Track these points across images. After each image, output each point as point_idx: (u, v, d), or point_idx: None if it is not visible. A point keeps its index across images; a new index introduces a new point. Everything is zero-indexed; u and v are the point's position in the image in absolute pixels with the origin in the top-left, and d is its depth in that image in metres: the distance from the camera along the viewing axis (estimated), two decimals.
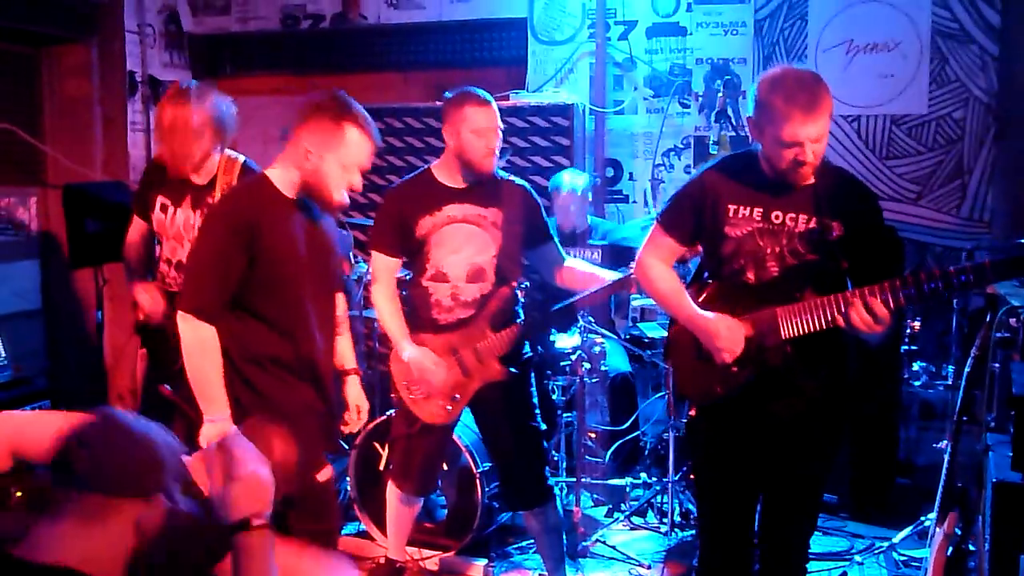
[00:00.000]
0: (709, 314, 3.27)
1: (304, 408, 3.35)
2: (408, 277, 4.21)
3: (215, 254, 3.22)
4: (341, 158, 3.26)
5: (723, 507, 3.46)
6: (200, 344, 3.23)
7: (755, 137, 3.19)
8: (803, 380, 3.25)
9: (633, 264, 3.68)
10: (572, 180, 5.61)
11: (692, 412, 3.48)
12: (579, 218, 5.63)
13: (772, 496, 3.44)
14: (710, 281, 3.40)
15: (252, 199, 3.29)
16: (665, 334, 3.65)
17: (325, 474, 3.44)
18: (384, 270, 4.04)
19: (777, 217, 3.21)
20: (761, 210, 3.22)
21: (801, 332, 3.16)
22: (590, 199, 5.73)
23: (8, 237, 6.39)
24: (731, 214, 3.25)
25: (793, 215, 3.20)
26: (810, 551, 4.76)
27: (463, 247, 3.97)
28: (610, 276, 4.08)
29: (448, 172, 4.02)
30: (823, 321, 3.12)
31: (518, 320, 4.05)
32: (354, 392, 3.70)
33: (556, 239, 4.18)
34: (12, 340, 4.93)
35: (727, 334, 3.20)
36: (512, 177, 4.12)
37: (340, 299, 3.69)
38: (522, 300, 4.25)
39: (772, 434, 3.32)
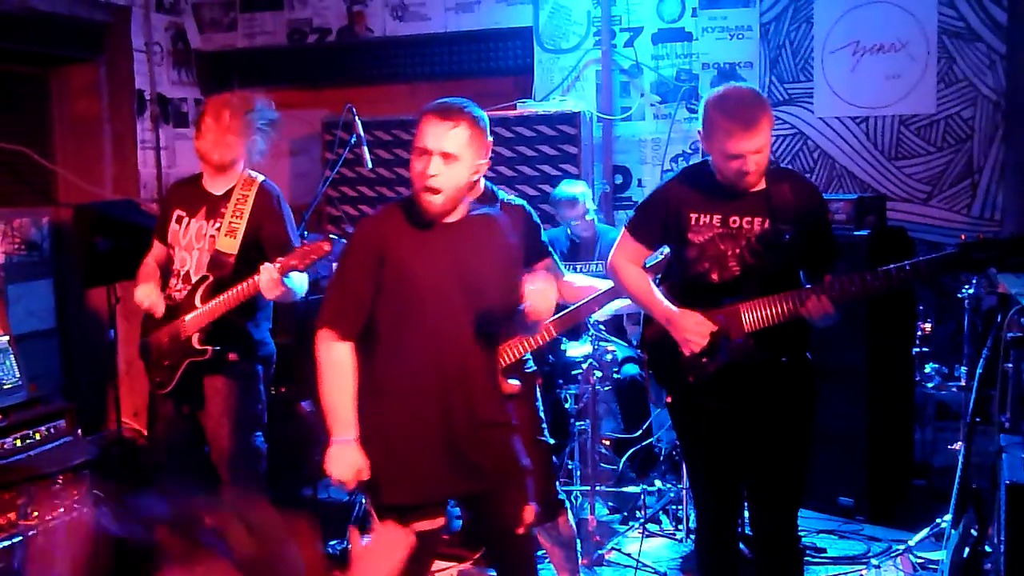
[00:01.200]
0: (677, 309, 3.55)
1: (396, 441, 3.24)
2: None
3: (349, 271, 3.27)
4: (416, 143, 3.20)
5: (706, 483, 3.75)
6: (330, 364, 3.23)
7: (705, 149, 3.50)
8: (767, 368, 3.51)
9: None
10: (571, 190, 5.60)
11: (668, 399, 3.76)
12: (586, 227, 5.63)
13: (753, 479, 3.65)
14: (679, 280, 3.66)
15: (384, 218, 3.32)
16: (642, 332, 3.88)
17: (426, 525, 3.28)
18: None
19: (735, 221, 3.49)
20: (720, 216, 3.51)
21: (761, 325, 3.45)
22: (593, 207, 5.69)
23: (22, 257, 6.43)
24: (693, 222, 3.54)
25: (749, 219, 3.48)
26: (827, 555, 4.82)
27: None
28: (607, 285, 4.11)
29: None
30: (780, 313, 3.42)
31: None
32: None
33: (555, 255, 4.19)
34: (28, 359, 4.94)
35: (693, 327, 3.49)
36: (511, 197, 4.13)
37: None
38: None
39: (744, 417, 3.56)
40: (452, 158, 3.15)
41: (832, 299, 3.34)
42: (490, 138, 3.30)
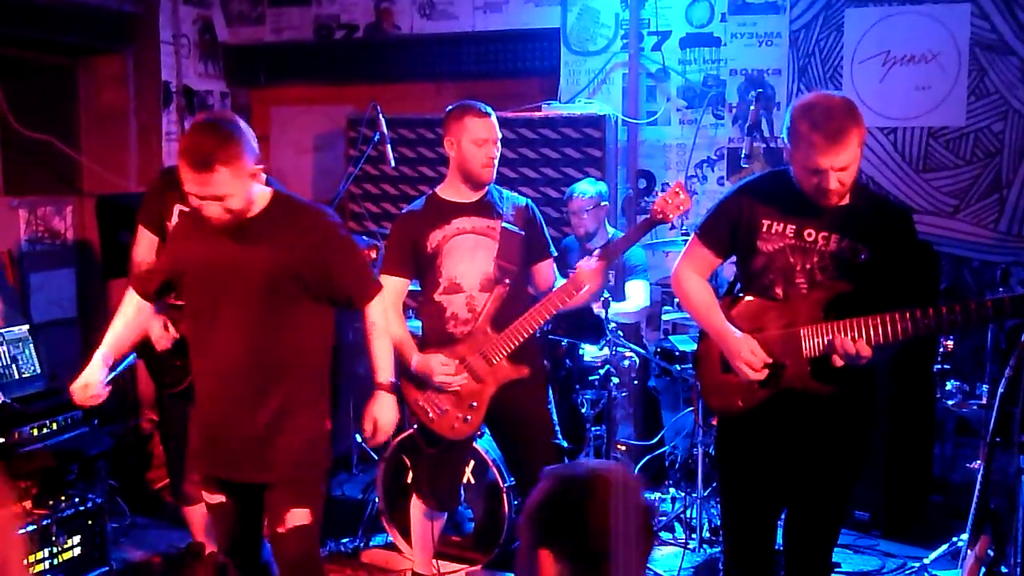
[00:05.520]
0: (737, 332, 3.32)
1: None
2: (420, 296, 4.22)
3: None
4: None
5: (744, 515, 3.53)
6: None
7: (787, 158, 3.24)
8: (823, 401, 3.28)
9: (598, 249, 4.00)
10: (583, 187, 5.56)
11: (714, 422, 3.62)
12: (591, 224, 5.50)
13: (794, 510, 3.48)
14: (741, 295, 3.44)
15: None
16: (696, 347, 3.69)
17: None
18: (391, 292, 4.01)
19: (810, 235, 3.26)
20: (794, 227, 3.27)
21: (822, 352, 3.20)
22: (604, 206, 5.58)
23: (45, 246, 6.46)
24: (764, 229, 3.31)
25: (826, 234, 3.24)
26: (841, 570, 4.78)
27: (474, 256, 4.03)
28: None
29: (453, 189, 4.11)
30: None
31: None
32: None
33: (554, 255, 4.25)
34: (48, 348, 4.96)
35: (748, 355, 3.26)
36: (517, 196, 4.20)
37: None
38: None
39: (792, 449, 3.36)
40: (224, 199, 3.15)
41: (867, 340, 3.10)
42: (253, 143, 3.24)
